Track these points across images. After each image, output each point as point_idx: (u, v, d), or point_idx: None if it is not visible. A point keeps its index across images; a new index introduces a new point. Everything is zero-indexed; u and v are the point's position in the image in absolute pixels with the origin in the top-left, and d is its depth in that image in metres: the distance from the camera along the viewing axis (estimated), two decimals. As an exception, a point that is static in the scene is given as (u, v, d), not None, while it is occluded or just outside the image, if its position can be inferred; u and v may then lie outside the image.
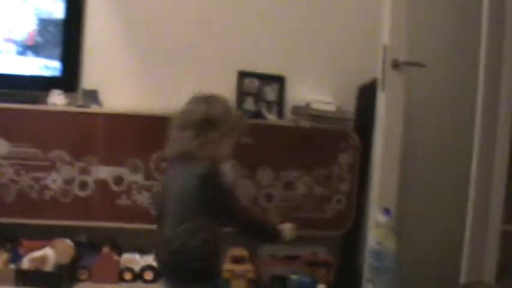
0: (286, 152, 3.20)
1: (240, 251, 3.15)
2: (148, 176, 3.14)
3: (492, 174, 3.19)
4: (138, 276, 3.10)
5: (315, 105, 3.28)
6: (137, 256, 3.17)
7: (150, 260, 3.13)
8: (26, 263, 3.01)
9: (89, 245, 3.19)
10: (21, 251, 3.09)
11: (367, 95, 3.24)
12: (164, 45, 3.41)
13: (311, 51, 3.47)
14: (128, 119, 3.13)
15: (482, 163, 3.14)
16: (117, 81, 3.34)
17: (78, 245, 3.13)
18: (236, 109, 2.47)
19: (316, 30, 3.49)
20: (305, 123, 3.24)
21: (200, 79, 3.33)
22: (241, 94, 3.35)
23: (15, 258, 3.05)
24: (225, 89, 3.27)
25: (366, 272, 2.68)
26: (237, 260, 3.14)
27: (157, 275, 3.08)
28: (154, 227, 3.05)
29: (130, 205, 3.11)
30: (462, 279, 3.11)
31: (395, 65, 2.92)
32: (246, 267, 3.13)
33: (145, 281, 3.09)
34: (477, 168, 3.13)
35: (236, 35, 3.43)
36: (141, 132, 3.10)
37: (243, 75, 3.37)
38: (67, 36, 3.28)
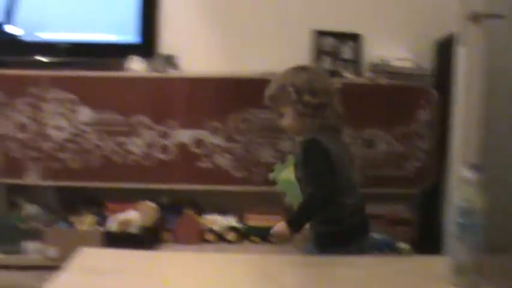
0: (365, 110, 3.16)
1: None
2: (228, 138, 3.16)
3: None
4: (220, 237, 3.14)
5: (393, 62, 3.22)
6: (218, 217, 3.21)
7: (232, 220, 3.17)
8: (112, 225, 3.10)
9: (171, 207, 3.25)
10: (106, 213, 3.18)
11: (445, 50, 3.15)
12: (239, 7, 3.39)
13: (387, 7, 3.39)
14: (206, 82, 3.15)
15: None
16: (194, 46, 3.36)
17: (161, 207, 3.19)
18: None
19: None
20: (383, 81, 3.18)
21: (275, 40, 3.33)
22: (318, 53, 3.32)
23: (101, 220, 3.15)
24: (301, 48, 3.27)
25: (453, 230, 2.64)
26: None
27: (240, 235, 3.13)
28: (235, 188, 3.12)
29: (211, 167, 3.15)
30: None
31: (474, 17, 2.83)
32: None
33: (228, 242, 3.13)
34: None
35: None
36: (219, 95, 3.12)
37: (318, 34, 3.33)
38: (144, 2, 3.31)
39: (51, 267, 2.97)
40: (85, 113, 3.14)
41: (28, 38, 3.28)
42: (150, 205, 3.16)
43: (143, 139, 3.15)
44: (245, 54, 3.31)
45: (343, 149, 2.13)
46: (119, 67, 3.21)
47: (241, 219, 3.24)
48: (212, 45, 3.38)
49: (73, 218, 3.17)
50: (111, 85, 3.15)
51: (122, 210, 3.14)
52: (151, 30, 3.32)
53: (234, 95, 3.14)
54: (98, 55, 3.30)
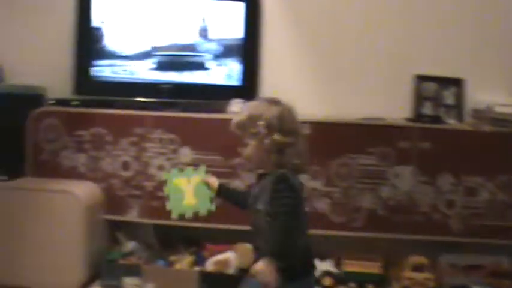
0: (467, 157, 3.09)
1: (420, 259, 3.09)
2: (327, 183, 3.15)
3: None
4: (316, 282, 3.12)
5: (497, 108, 3.14)
6: (315, 261, 3.18)
7: (328, 265, 3.14)
8: (209, 266, 3.13)
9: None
10: (205, 253, 3.21)
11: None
12: (341, 51, 3.41)
13: (490, 51, 3.33)
14: (307, 126, 3.15)
15: None
16: (294, 89, 3.38)
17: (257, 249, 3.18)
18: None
19: (494, 30, 3.33)
20: (486, 127, 3.11)
21: (376, 84, 3.32)
22: (419, 98, 3.28)
23: (200, 260, 3.19)
24: (402, 93, 3.24)
25: None
26: (416, 268, 3.08)
27: (337, 281, 3.09)
28: (333, 233, 3.10)
29: (310, 211, 3.14)
30: None
31: None
32: (426, 276, 3.06)
33: (324, 287, 3.10)
34: None
35: (411, 38, 3.36)
36: (319, 139, 3.12)
37: (420, 79, 3.29)
38: (246, 49, 3.39)
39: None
40: (186, 154, 3.20)
41: (133, 80, 3.38)
42: (247, 247, 3.16)
43: (243, 181, 3.17)
44: (346, 99, 3.31)
45: (302, 188, 2.08)
46: (221, 109, 3.26)
47: (338, 264, 3.20)
48: (312, 89, 3.40)
49: (172, 257, 3.22)
50: (212, 127, 3.20)
51: (220, 251, 3.16)
52: (252, 73, 3.37)
53: (333, 139, 3.14)
54: (199, 97, 3.37)
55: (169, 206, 2.31)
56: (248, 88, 3.37)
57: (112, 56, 3.40)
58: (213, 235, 3.26)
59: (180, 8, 3.39)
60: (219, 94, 3.38)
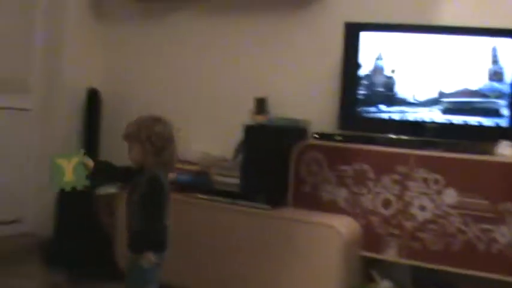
0: None
1: None
2: None
3: None
4: None
5: None
6: None
7: None
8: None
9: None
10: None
11: None
12: None
13: None
14: None
15: None
16: None
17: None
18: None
19: None
20: None
21: None
22: None
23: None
24: None
25: None
26: None
27: None
28: None
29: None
30: None
31: None
32: None
33: None
34: None
35: None
36: None
37: None
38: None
39: None
40: (450, 195, 3.09)
41: (398, 117, 3.35)
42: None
43: (510, 228, 2.98)
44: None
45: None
46: (488, 151, 3.11)
47: None
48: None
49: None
50: (479, 169, 3.06)
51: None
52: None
53: None
54: (464, 137, 3.25)
55: (51, 182, 2.56)
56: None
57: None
58: (472, 283, 3.09)
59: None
60: (484, 135, 3.23)
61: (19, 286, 3.03)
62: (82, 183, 2.61)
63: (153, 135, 2.62)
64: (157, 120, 2.70)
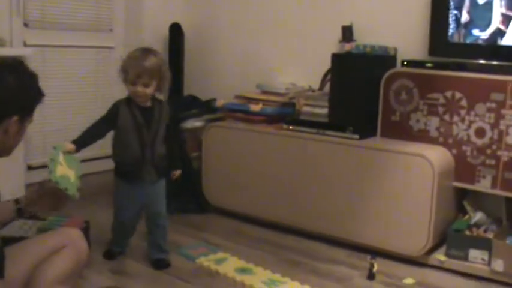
0: None
1: None
2: None
3: None
4: None
5: None
6: None
7: None
8: None
9: None
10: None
11: None
12: None
13: None
14: None
15: None
16: None
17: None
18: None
19: None
20: None
21: None
22: None
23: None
24: None
25: None
26: None
27: None
28: None
29: None
30: None
31: None
32: None
33: None
34: None
35: None
36: None
37: None
38: None
39: (496, 281, 2.90)
40: (550, 124, 2.92)
41: (491, 42, 3.16)
42: None
43: None
44: None
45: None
46: None
47: None
48: None
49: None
50: None
51: None
52: None
53: None
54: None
55: (70, 192, 2.28)
56: None
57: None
58: None
59: None
60: None
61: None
62: (79, 171, 2.45)
63: (166, 70, 2.80)
64: (158, 53, 2.83)
